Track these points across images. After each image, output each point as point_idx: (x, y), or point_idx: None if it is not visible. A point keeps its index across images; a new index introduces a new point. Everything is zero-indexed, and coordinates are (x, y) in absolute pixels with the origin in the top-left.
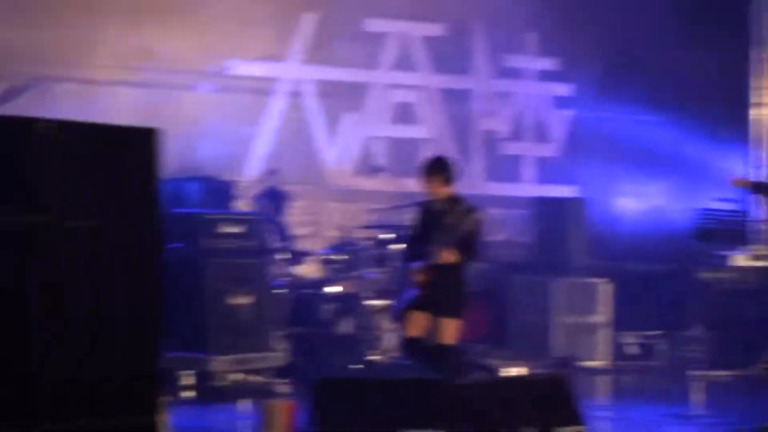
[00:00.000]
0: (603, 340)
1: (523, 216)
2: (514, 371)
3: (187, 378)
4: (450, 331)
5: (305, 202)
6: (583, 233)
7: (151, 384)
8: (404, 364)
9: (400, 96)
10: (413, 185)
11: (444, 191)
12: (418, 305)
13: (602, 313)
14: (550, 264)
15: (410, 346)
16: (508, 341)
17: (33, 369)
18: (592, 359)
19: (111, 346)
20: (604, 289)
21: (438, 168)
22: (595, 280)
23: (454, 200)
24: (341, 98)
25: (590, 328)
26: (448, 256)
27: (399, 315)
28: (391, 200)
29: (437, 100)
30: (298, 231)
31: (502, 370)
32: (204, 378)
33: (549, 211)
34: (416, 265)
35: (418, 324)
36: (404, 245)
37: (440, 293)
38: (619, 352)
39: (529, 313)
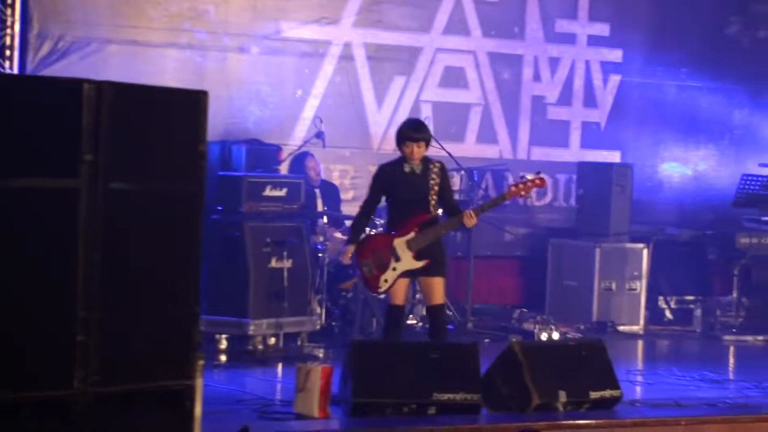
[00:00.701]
0: (640, 304)
1: (567, 181)
2: (552, 335)
3: (225, 341)
4: (442, 290)
5: (351, 166)
6: (626, 199)
7: (187, 347)
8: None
9: (451, 60)
10: (461, 149)
11: (422, 154)
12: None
13: (640, 278)
14: (592, 229)
15: (398, 314)
16: (547, 305)
17: (71, 331)
18: (630, 324)
19: (148, 308)
20: (643, 255)
21: (425, 130)
22: (634, 245)
23: (427, 161)
24: (391, 62)
25: (628, 293)
26: (472, 220)
27: (374, 283)
28: None
29: (487, 64)
30: (344, 195)
31: (540, 334)
32: (241, 341)
33: (594, 176)
34: (396, 231)
35: (403, 292)
36: (362, 212)
37: (431, 255)
38: (655, 317)
39: (569, 277)
